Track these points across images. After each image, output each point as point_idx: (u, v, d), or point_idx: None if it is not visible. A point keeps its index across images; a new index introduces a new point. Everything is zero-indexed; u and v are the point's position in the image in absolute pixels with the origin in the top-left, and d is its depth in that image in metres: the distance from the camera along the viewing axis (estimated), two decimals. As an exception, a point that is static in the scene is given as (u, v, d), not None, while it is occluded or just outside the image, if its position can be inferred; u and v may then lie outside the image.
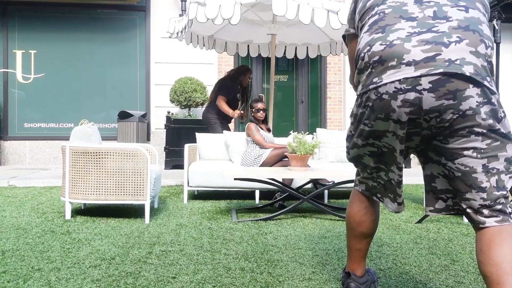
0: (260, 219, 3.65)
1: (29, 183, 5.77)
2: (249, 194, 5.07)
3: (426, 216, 3.26)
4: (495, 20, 3.63)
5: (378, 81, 1.54)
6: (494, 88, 1.47)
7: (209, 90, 7.94)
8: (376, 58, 1.55)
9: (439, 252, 2.76)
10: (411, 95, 1.48)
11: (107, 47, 8.19)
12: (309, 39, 6.23)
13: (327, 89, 8.54)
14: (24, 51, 8.07)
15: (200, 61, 8.08)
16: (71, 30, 8.12)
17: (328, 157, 4.99)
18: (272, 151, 4.56)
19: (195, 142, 7.24)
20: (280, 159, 4.59)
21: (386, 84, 1.52)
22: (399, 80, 1.48)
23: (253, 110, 4.77)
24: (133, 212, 3.97)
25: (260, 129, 4.70)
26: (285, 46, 6.47)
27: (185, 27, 4.92)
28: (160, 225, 3.44)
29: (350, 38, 1.89)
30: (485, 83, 1.45)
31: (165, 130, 7.53)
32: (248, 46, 6.47)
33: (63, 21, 8.11)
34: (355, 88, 1.80)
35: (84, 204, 4.14)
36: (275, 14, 4.49)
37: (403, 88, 1.48)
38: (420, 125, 1.54)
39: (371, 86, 1.57)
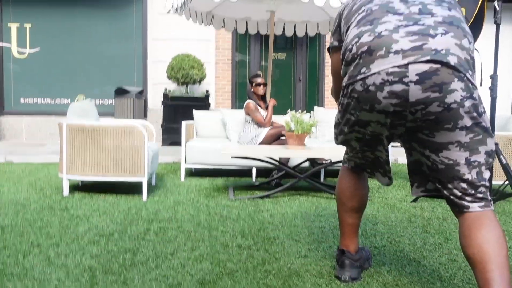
0: (257, 197, 3.69)
1: (26, 159, 5.78)
2: (246, 172, 5.10)
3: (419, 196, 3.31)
4: (496, 0, 3.60)
5: (366, 71, 1.55)
6: (475, 83, 1.54)
7: (207, 67, 7.90)
8: (364, 48, 1.56)
9: (433, 230, 2.81)
10: (398, 87, 1.50)
11: (104, 22, 8.08)
12: (308, 17, 6.15)
13: (325, 68, 8.49)
14: (19, 24, 7.94)
15: (197, 37, 7.99)
16: (68, 3, 7.98)
17: (325, 136, 5.00)
18: (269, 131, 4.57)
19: (193, 119, 7.28)
20: (277, 138, 4.60)
21: (374, 74, 1.53)
22: (386, 72, 1.50)
23: (253, 84, 4.75)
24: (130, 188, 4.00)
25: (259, 107, 4.70)
26: (284, 24, 6.40)
27: (184, 3, 4.85)
28: (158, 202, 3.47)
29: (334, 51, 1.90)
30: (468, 75, 1.50)
31: (162, 107, 7.51)
32: (246, 23, 6.38)
33: (58, -5, 7.96)
34: (337, 98, 1.89)
35: (82, 181, 4.16)
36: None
37: (390, 80, 1.50)
38: (405, 117, 1.57)
39: (358, 77, 1.58)
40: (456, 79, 1.48)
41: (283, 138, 4.58)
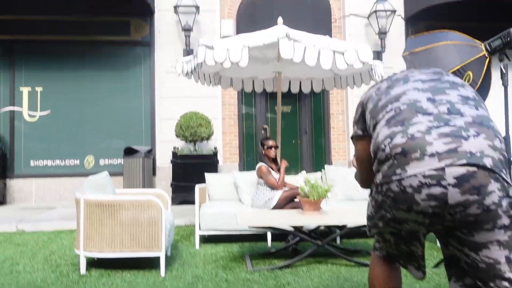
0: (276, 267, 3.63)
1: (37, 226, 5.75)
2: (261, 236, 5.04)
3: (442, 260, 3.26)
4: (501, 63, 3.68)
5: (402, 172, 1.56)
6: (509, 181, 1.56)
7: (214, 124, 7.99)
8: (398, 150, 1.58)
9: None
10: (437, 190, 1.51)
11: (112, 83, 8.27)
12: (314, 74, 6.29)
13: (330, 119, 8.59)
14: (30, 88, 8.13)
15: (204, 95, 8.11)
16: (77, 66, 8.21)
17: (337, 195, 4.99)
18: (283, 193, 4.58)
19: (202, 177, 7.27)
20: (291, 201, 4.60)
21: (410, 176, 1.54)
22: (423, 175, 1.51)
23: (265, 147, 4.79)
24: (147, 262, 3.94)
25: (271, 169, 4.72)
26: (290, 81, 6.54)
27: (194, 68, 4.98)
28: (176, 277, 3.42)
29: (358, 139, 1.94)
30: (502, 175, 1.52)
31: (171, 165, 7.55)
32: (253, 81, 6.53)
33: (69, 58, 8.20)
34: (362, 183, 1.91)
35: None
36: (283, 57, 4.56)
37: (427, 183, 1.51)
38: (444, 218, 1.57)
39: (394, 178, 1.59)
40: (492, 180, 1.50)
41: (296, 200, 4.57)
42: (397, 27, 8.57)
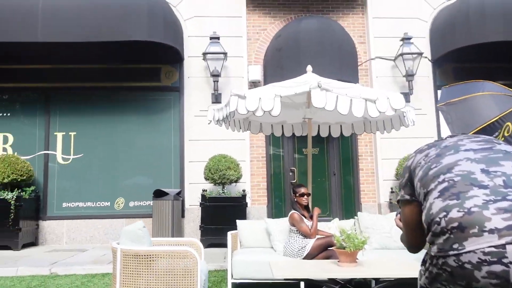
0: (313, 321, 3.56)
1: (70, 270, 5.81)
2: (294, 285, 4.96)
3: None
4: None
5: (460, 248, 1.54)
6: None
7: (242, 166, 8.06)
8: (455, 224, 1.57)
9: None
10: (497, 268, 1.48)
11: (143, 127, 8.48)
12: (343, 119, 6.33)
13: (358, 161, 8.55)
14: (64, 133, 8.41)
15: (232, 137, 8.23)
16: (109, 111, 8.48)
17: (372, 243, 4.91)
18: (316, 241, 4.53)
19: (231, 219, 7.28)
20: (324, 249, 4.54)
21: (469, 252, 1.52)
22: (483, 252, 1.49)
23: (297, 195, 4.79)
24: (181, 312, 3.92)
25: (303, 217, 4.70)
26: (319, 125, 6.59)
27: (226, 117, 5.08)
28: (213, 331, 3.38)
29: (405, 203, 1.93)
30: None
31: (199, 207, 7.59)
32: (282, 126, 6.61)
33: (101, 103, 8.49)
34: (408, 246, 1.89)
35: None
36: (315, 107, 4.62)
37: (488, 260, 1.49)
38: None
39: (451, 252, 1.57)
40: None
41: (330, 248, 4.51)
42: (424, 69, 8.61)
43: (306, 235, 4.59)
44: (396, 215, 2.22)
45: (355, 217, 5.29)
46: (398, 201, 1.99)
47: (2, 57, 8.28)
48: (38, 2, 7.35)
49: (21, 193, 7.47)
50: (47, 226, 8.09)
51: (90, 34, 7.30)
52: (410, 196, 1.90)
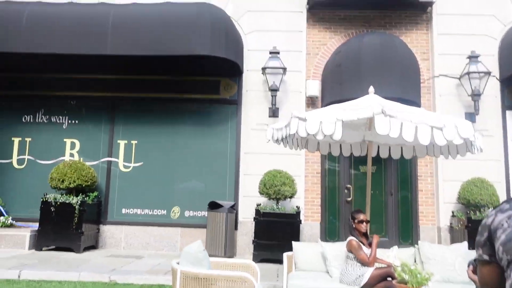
0: None
1: (128, 278, 6.02)
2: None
3: None
4: None
5: None
6: None
7: (298, 182, 8.02)
8: None
9: None
10: None
11: (201, 138, 8.67)
12: (404, 141, 6.14)
13: (417, 182, 8.26)
14: (126, 141, 8.75)
15: (287, 152, 8.21)
16: (169, 122, 8.74)
17: (435, 276, 4.70)
18: (374, 271, 4.42)
19: (284, 236, 7.27)
20: (383, 279, 4.42)
21: None
22: None
23: (355, 221, 4.70)
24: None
25: (362, 244, 4.60)
26: (378, 146, 6.43)
27: (286, 138, 5.08)
28: None
29: (483, 263, 1.83)
30: None
31: (253, 220, 7.63)
32: (340, 145, 6.52)
33: (163, 115, 8.77)
34: None
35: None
36: (379, 133, 4.51)
37: None
38: None
39: None
40: None
41: (389, 279, 4.39)
42: (492, 88, 8.19)
43: (364, 263, 4.50)
44: (468, 265, 2.12)
45: (416, 245, 5.11)
46: (475, 260, 1.91)
47: (72, 67, 8.76)
48: (109, 16, 7.71)
49: (85, 198, 7.86)
50: (107, 231, 8.44)
51: (156, 47, 7.56)
52: (489, 257, 1.81)
